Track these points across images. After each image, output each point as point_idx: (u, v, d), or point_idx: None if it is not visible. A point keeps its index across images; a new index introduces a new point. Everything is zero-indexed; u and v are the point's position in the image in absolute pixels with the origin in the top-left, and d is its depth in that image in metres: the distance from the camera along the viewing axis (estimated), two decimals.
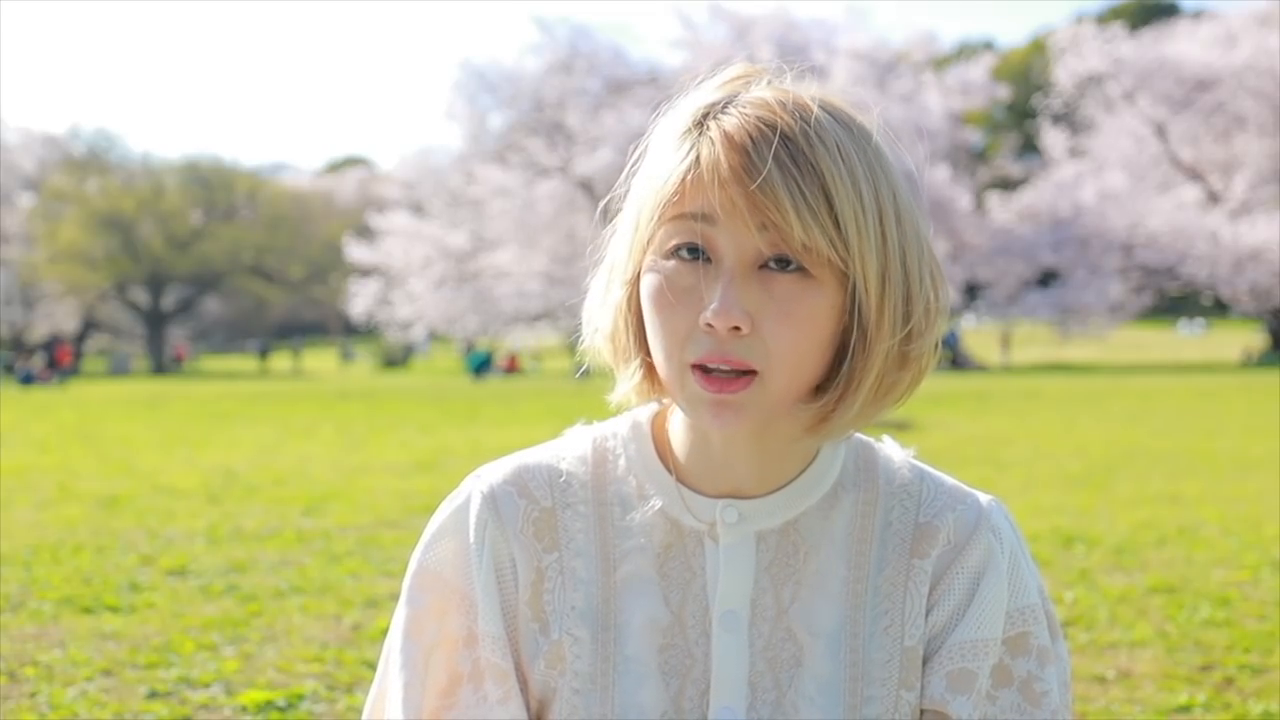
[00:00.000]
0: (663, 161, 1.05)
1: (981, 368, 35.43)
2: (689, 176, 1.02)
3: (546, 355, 45.79)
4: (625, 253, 1.09)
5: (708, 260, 1.03)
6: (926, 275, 1.08)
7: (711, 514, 1.13)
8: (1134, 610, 4.66)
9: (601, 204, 1.16)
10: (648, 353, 1.10)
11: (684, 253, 1.03)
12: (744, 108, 1.03)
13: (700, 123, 1.04)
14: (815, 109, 1.03)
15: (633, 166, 1.11)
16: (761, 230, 1.00)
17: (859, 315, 1.04)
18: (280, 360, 55.16)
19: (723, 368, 1.02)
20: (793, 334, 1.02)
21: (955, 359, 36.81)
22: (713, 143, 1.02)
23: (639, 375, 1.12)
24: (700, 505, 1.13)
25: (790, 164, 0.99)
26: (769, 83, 1.08)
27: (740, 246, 1.01)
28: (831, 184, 1.00)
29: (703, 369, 1.03)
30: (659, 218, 1.04)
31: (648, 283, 1.06)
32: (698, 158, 1.02)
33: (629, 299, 1.10)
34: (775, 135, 1.00)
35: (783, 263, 1.02)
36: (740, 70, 1.10)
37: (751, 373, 1.02)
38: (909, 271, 1.06)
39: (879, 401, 1.08)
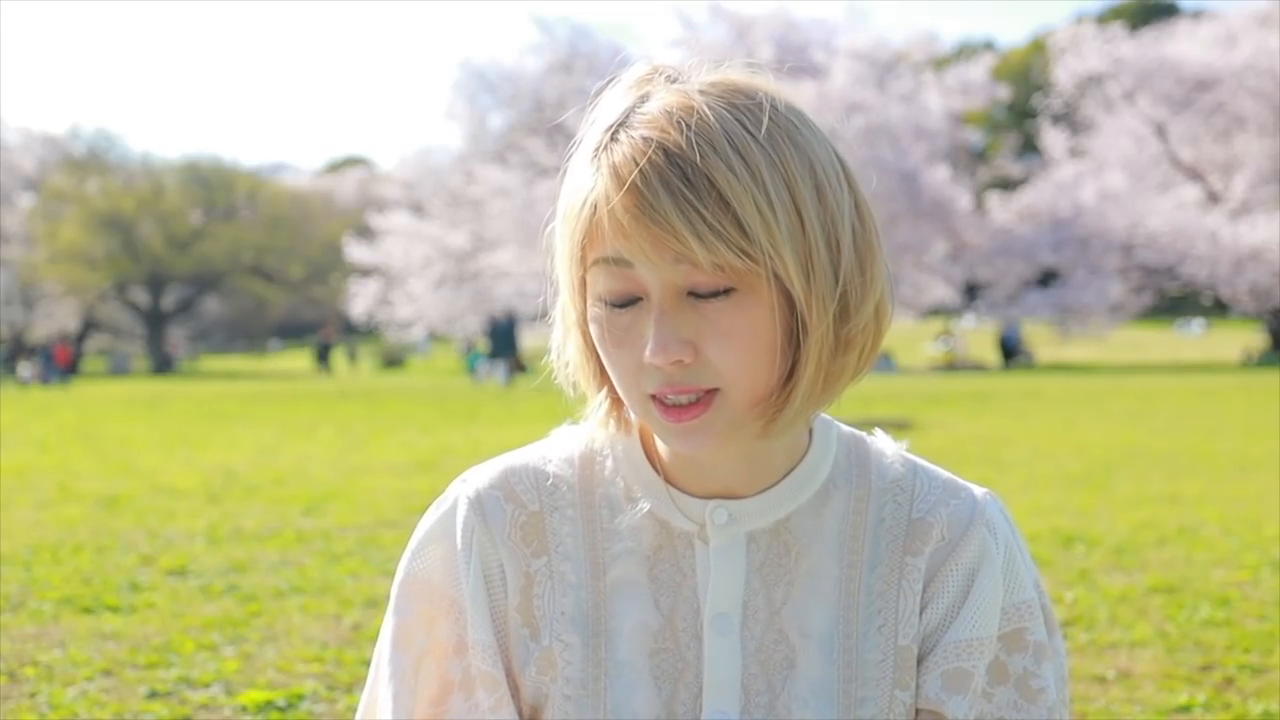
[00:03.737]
0: (570, 202, 1.04)
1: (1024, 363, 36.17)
2: (592, 221, 1.01)
3: (546, 355, 45.71)
4: (567, 296, 1.09)
5: (638, 298, 1.02)
6: (856, 248, 1.04)
7: (701, 515, 1.12)
8: (1134, 610, 4.66)
9: (548, 228, 1.13)
10: (612, 385, 1.10)
11: (614, 304, 1.03)
12: (633, 129, 1.01)
13: (595, 154, 1.02)
14: (704, 107, 1.00)
15: (556, 191, 1.09)
16: (675, 263, 0.99)
17: (793, 309, 1.02)
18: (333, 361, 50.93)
19: (681, 399, 1.02)
20: (737, 350, 1.01)
21: (1022, 357, 37.21)
22: (605, 182, 1.00)
23: (605, 406, 1.12)
24: (690, 506, 1.12)
25: (683, 187, 0.97)
26: (667, 80, 1.05)
27: (661, 281, 1.00)
28: (729, 191, 0.97)
29: (661, 400, 1.03)
30: (580, 264, 1.04)
31: (593, 328, 1.06)
32: (594, 205, 1.01)
33: (583, 338, 1.09)
34: (664, 158, 0.98)
35: (706, 286, 1.00)
36: (644, 71, 1.07)
37: (711, 390, 1.02)
38: (836, 250, 1.02)
39: (825, 391, 1.06)
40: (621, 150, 1.00)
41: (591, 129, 1.06)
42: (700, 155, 0.98)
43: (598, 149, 1.02)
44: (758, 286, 1.00)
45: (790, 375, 1.04)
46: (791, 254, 1.00)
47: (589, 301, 1.05)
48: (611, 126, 1.03)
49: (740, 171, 0.98)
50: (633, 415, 1.13)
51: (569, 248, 1.05)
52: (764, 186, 0.99)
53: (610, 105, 1.06)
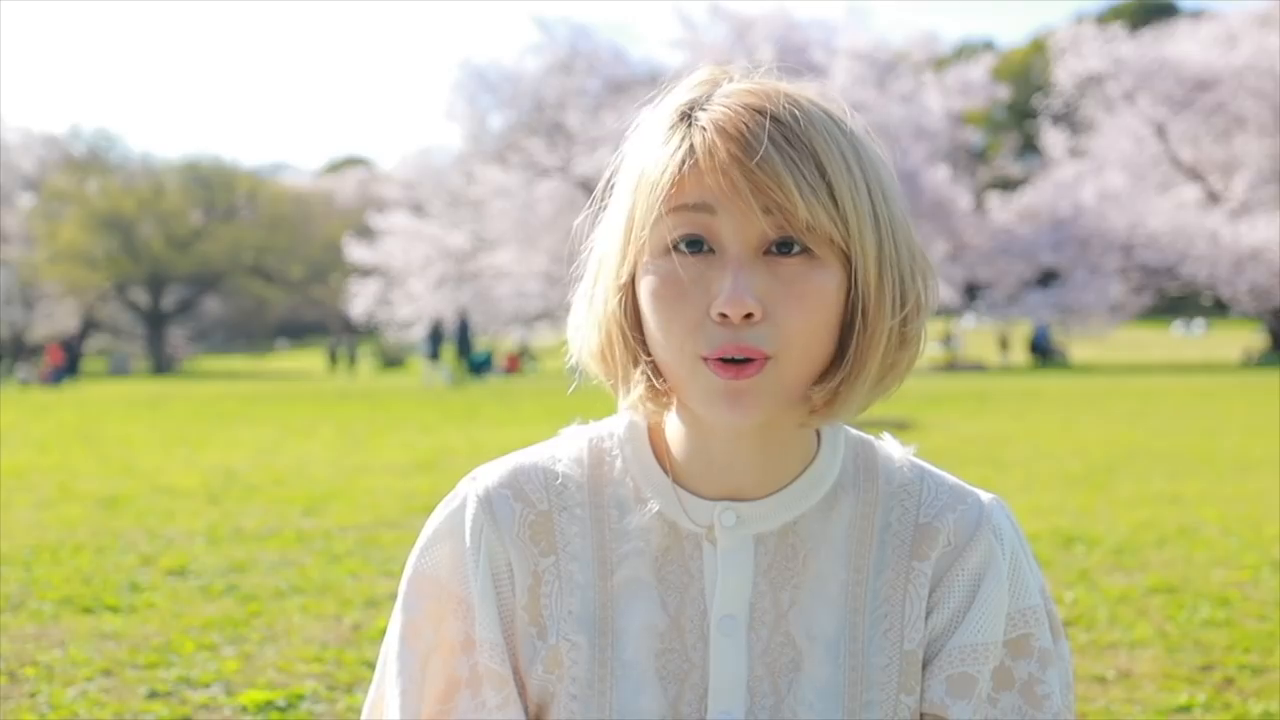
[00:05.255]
0: (653, 157, 1.04)
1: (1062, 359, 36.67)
2: (685, 166, 1.01)
3: (546, 355, 45.81)
4: (617, 257, 1.07)
5: (710, 251, 1.02)
6: (918, 256, 1.08)
7: (709, 517, 1.12)
8: (1134, 610, 4.66)
9: (581, 216, 1.13)
10: (650, 357, 1.08)
11: (684, 246, 1.02)
12: (728, 98, 1.03)
13: (686, 116, 1.04)
14: (795, 94, 1.04)
15: (611, 175, 1.10)
16: (766, 214, 1.00)
17: (861, 296, 1.04)
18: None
19: (736, 356, 1.01)
20: (804, 316, 1.02)
21: (1056, 356, 37.37)
22: (705, 131, 1.01)
23: (642, 384, 1.09)
24: (698, 508, 1.12)
25: (786, 144, 1.00)
26: (741, 77, 1.08)
27: (744, 232, 1.01)
28: (827, 162, 1.00)
29: (716, 360, 1.02)
30: (656, 214, 1.03)
31: (648, 283, 1.05)
32: (691, 146, 1.01)
33: (622, 304, 1.08)
34: (766, 118, 1.00)
35: (786, 246, 1.01)
36: (708, 73, 1.09)
37: (764, 358, 1.02)
38: (902, 251, 1.06)
39: (882, 382, 1.08)
40: (720, 109, 1.03)
41: (661, 110, 1.08)
42: (800, 126, 1.01)
43: (690, 111, 1.04)
44: (832, 261, 1.03)
45: (855, 358, 1.05)
46: (872, 242, 1.03)
47: (650, 256, 1.05)
48: (699, 99, 1.05)
49: (835, 153, 1.02)
50: (658, 406, 1.12)
51: (646, 198, 1.04)
52: (852, 174, 1.02)
53: (682, 93, 1.08)
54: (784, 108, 1.02)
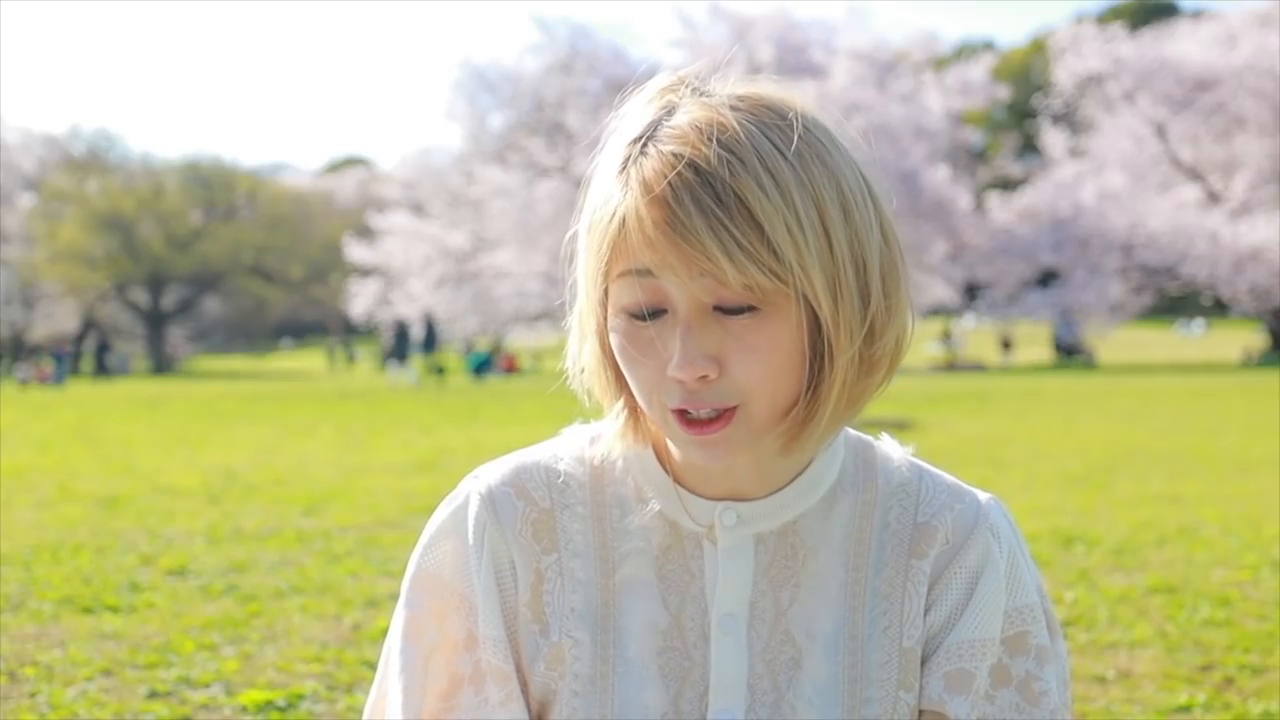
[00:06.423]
0: (596, 215, 1.03)
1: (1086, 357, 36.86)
2: (619, 236, 1.00)
3: (546, 355, 45.82)
4: (585, 305, 1.08)
5: (663, 310, 1.02)
6: (882, 270, 1.04)
7: (710, 516, 1.13)
8: (1134, 610, 4.66)
9: (569, 233, 1.12)
10: (630, 394, 1.10)
11: (637, 313, 1.02)
12: (662, 144, 1.00)
13: (624, 167, 1.01)
14: (734, 123, 0.99)
15: (580, 202, 1.08)
16: (701, 278, 0.98)
17: (819, 327, 1.02)
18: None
19: (702, 413, 1.02)
20: (761, 367, 1.01)
21: (1082, 356, 37.43)
22: (635, 196, 0.99)
23: (624, 418, 1.12)
24: (698, 507, 1.13)
25: (714, 204, 0.96)
26: (694, 91, 1.04)
27: (687, 296, 1.00)
28: (760, 211, 0.96)
29: (683, 413, 1.02)
30: (604, 276, 1.03)
31: (613, 337, 1.05)
32: (623, 218, 0.99)
33: (601, 347, 1.09)
34: (694, 175, 0.97)
35: (732, 303, 1.00)
36: (666, 81, 1.06)
37: (730, 409, 1.02)
38: (864, 271, 1.03)
39: (849, 409, 1.06)
40: (651, 165, 0.99)
41: (615, 140, 1.05)
42: (730, 172, 0.97)
43: (626, 162, 1.01)
44: (784, 305, 1.00)
45: (814, 394, 1.04)
46: (820, 275, 0.99)
47: (611, 313, 1.05)
48: (639, 139, 1.02)
49: (770, 190, 0.97)
50: (652, 426, 1.13)
51: (594, 260, 1.03)
52: (794, 206, 0.98)
53: (635, 117, 1.05)
54: (715, 152, 0.97)
